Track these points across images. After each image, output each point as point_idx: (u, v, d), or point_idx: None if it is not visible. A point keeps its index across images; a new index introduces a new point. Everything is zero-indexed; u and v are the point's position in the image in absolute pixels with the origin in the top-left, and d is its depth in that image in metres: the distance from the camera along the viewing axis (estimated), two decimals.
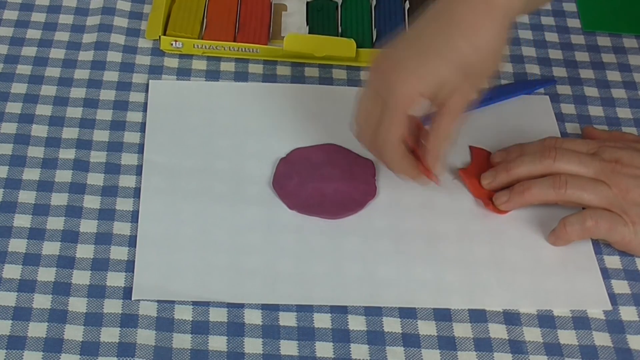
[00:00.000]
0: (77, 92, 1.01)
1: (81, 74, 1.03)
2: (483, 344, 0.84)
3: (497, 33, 0.85)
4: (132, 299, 0.84)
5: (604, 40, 1.11)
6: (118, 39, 1.06)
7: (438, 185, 0.92)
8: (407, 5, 1.12)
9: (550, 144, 0.95)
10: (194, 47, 1.05)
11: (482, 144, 0.99)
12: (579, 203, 0.91)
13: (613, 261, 0.91)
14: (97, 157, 0.95)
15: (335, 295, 0.86)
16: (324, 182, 0.94)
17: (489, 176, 0.94)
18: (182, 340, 0.82)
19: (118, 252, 0.88)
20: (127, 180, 0.93)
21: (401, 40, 0.88)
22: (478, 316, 0.86)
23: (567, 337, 0.85)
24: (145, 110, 1.00)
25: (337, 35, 1.08)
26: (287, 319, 0.84)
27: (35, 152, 0.95)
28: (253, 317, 0.84)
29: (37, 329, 0.82)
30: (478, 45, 0.85)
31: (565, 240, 0.90)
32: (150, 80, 1.02)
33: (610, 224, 0.89)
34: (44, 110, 0.99)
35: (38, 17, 1.09)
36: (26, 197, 0.91)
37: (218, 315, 0.84)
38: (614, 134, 0.99)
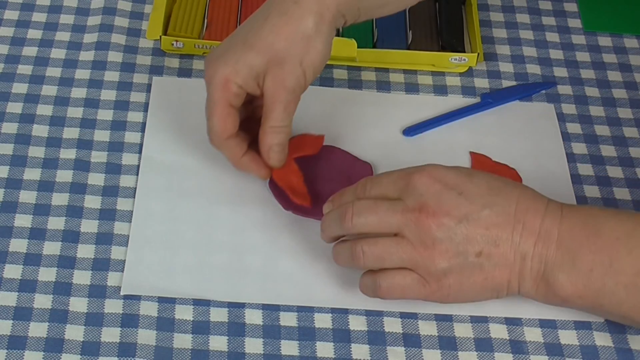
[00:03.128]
0: (78, 92, 1.01)
1: (82, 74, 1.03)
2: (484, 344, 0.84)
3: (306, 23, 0.88)
4: (121, 293, 0.84)
5: (604, 41, 1.11)
6: (119, 39, 1.06)
7: (266, 179, 0.91)
8: None
9: (359, 192, 0.84)
10: (194, 47, 1.05)
11: (484, 149, 0.98)
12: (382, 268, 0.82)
13: None
14: (98, 157, 0.95)
15: (335, 297, 0.86)
16: (320, 183, 0.93)
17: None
18: (182, 340, 0.82)
19: (119, 252, 0.88)
20: (127, 180, 0.93)
21: (231, 34, 0.92)
22: (479, 317, 0.86)
23: (568, 337, 0.85)
24: (146, 110, 1.00)
25: (338, 35, 1.08)
26: (288, 319, 0.84)
27: (36, 152, 0.95)
28: (254, 317, 0.84)
29: (37, 329, 0.82)
30: (283, 34, 0.88)
31: (362, 292, 0.84)
32: (153, 77, 1.02)
33: (404, 288, 0.81)
34: (44, 110, 0.99)
35: (39, 17, 1.09)
36: (27, 197, 0.91)
37: (219, 315, 0.84)
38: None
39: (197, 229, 0.90)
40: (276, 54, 0.88)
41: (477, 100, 1.04)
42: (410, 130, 1.00)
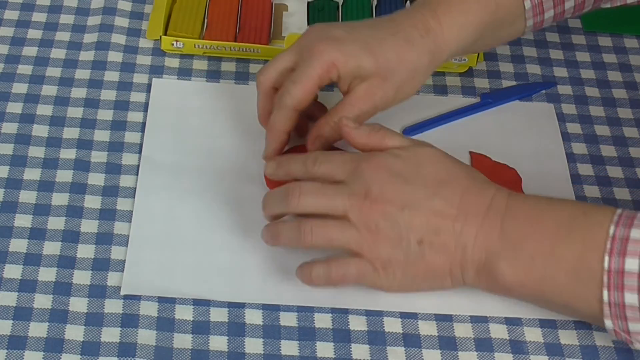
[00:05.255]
0: (78, 92, 1.01)
1: (82, 74, 1.03)
2: (484, 344, 0.84)
3: (423, 58, 0.91)
4: (121, 293, 0.84)
5: (604, 41, 1.11)
6: (119, 39, 1.06)
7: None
8: (408, 4, 1.12)
9: (309, 164, 0.86)
10: (194, 47, 1.05)
11: (484, 149, 0.98)
12: (329, 248, 0.84)
13: None
14: (98, 157, 0.95)
15: (335, 297, 0.86)
16: None
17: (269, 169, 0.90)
18: (182, 340, 0.82)
19: (119, 252, 0.88)
20: (127, 180, 0.93)
21: (347, 23, 0.93)
22: (479, 317, 0.86)
23: (568, 337, 0.85)
24: (146, 110, 1.00)
25: None
26: (288, 319, 0.84)
27: (36, 152, 0.95)
28: (254, 317, 0.84)
29: (37, 329, 0.82)
30: (401, 58, 0.90)
31: (311, 284, 0.84)
32: (153, 79, 1.02)
33: (358, 272, 0.82)
34: (44, 110, 0.99)
35: (39, 17, 1.09)
36: (27, 197, 0.91)
37: (219, 315, 0.84)
38: (373, 140, 0.87)
39: (197, 229, 0.90)
40: (385, 70, 0.90)
41: (477, 100, 1.04)
42: (410, 130, 1.00)
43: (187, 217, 0.91)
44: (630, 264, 0.77)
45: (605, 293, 0.78)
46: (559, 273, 0.80)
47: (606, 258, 0.78)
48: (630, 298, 0.77)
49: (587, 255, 0.79)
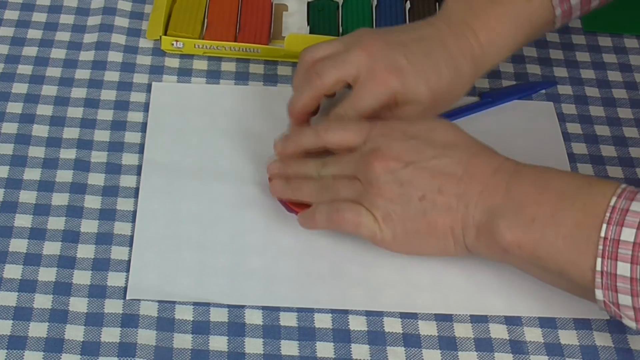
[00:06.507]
0: (78, 92, 1.01)
1: (82, 74, 1.03)
2: (484, 345, 0.84)
3: (467, 87, 0.95)
4: (127, 298, 0.84)
5: (604, 41, 1.11)
6: (119, 39, 1.06)
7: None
8: (407, 5, 1.12)
9: (321, 133, 0.89)
10: (194, 47, 1.05)
11: None
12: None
13: None
14: (98, 157, 0.95)
15: (335, 298, 0.86)
16: None
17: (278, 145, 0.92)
18: (182, 340, 0.82)
19: (119, 252, 0.88)
20: (127, 181, 0.93)
21: (403, 42, 0.93)
22: (479, 317, 0.86)
23: (568, 337, 0.85)
24: (146, 110, 1.00)
25: (338, 36, 1.08)
26: (288, 319, 0.84)
27: (36, 152, 0.95)
28: (254, 317, 0.84)
29: (37, 329, 0.82)
30: (453, 91, 0.94)
31: (312, 226, 0.88)
32: (153, 82, 1.02)
33: (358, 218, 0.85)
34: (44, 110, 0.99)
35: (39, 17, 1.09)
36: (27, 197, 0.91)
37: (219, 315, 0.84)
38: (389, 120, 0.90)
39: (201, 233, 0.90)
40: (437, 102, 0.93)
41: (476, 99, 1.04)
42: None
43: (189, 219, 0.91)
44: (627, 234, 0.77)
45: (599, 261, 0.78)
46: (557, 237, 0.80)
47: (604, 226, 0.78)
48: (622, 268, 0.78)
49: (586, 222, 0.79)
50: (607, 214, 0.78)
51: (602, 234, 0.78)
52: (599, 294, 0.79)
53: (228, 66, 1.05)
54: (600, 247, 0.78)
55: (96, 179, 0.93)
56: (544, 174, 0.84)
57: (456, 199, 0.83)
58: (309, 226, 0.88)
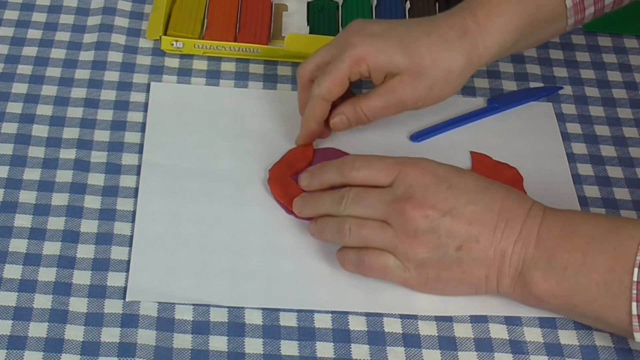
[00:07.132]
0: (78, 92, 1.01)
1: (82, 74, 1.03)
2: (484, 344, 0.84)
3: (458, 59, 0.92)
4: (126, 299, 0.84)
5: (604, 41, 1.11)
6: (119, 39, 1.06)
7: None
8: (407, 5, 1.12)
9: (346, 171, 0.87)
10: (194, 47, 1.05)
11: (484, 149, 0.98)
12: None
13: None
14: (98, 157, 0.95)
15: (335, 300, 0.86)
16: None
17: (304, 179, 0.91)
18: (182, 341, 0.82)
19: (118, 252, 0.88)
20: (127, 181, 0.93)
21: (386, 21, 0.94)
22: (479, 317, 0.86)
23: (568, 337, 0.85)
24: (145, 110, 1.00)
25: None
26: (288, 319, 0.84)
27: (36, 152, 0.95)
28: (253, 318, 0.84)
29: (37, 329, 0.82)
30: (437, 56, 0.91)
31: (342, 267, 0.86)
32: (152, 83, 1.02)
33: (386, 267, 0.84)
34: (44, 110, 0.99)
35: (39, 17, 1.09)
36: (27, 197, 0.91)
37: (218, 316, 0.84)
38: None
39: (200, 233, 0.90)
40: (418, 67, 0.91)
41: (478, 100, 1.03)
42: (418, 136, 0.99)
43: (188, 219, 0.91)
44: None
45: (634, 305, 0.78)
46: (590, 284, 0.80)
47: (635, 270, 0.78)
48: None
49: (617, 267, 0.79)
50: (638, 258, 0.78)
51: (635, 278, 0.78)
52: (638, 337, 0.80)
53: (228, 66, 1.05)
54: (634, 291, 0.78)
55: (96, 179, 0.93)
56: (572, 217, 0.83)
57: (493, 247, 0.82)
58: (341, 266, 0.86)
